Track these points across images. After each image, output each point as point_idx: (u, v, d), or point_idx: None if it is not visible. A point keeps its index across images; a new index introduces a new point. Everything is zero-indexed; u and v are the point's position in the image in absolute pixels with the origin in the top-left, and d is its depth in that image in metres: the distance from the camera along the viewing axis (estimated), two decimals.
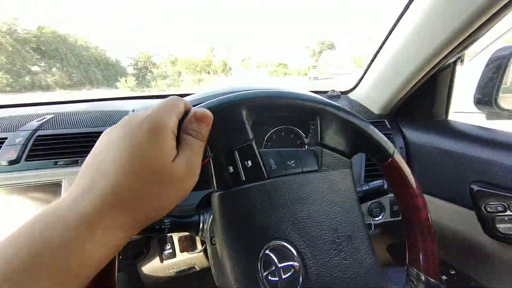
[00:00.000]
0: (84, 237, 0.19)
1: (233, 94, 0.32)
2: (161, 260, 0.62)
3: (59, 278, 0.18)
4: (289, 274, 0.30)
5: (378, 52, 0.79)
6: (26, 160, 0.57)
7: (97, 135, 0.63)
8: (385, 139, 0.36)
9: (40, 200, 0.54)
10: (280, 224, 0.32)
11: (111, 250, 0.21)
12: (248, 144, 0.32)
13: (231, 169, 0.31)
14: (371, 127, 0.36)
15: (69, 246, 0.19)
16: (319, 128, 0.35)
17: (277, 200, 0.32)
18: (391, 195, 0.72)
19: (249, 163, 0.31)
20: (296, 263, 0.31)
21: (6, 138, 0.59)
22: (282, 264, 0.31)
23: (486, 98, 0.66)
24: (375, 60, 0.81)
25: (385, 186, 0.56)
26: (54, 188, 0.55)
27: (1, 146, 0.57)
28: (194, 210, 0.62)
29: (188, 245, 0.62)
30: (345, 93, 0.99)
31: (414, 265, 0.36)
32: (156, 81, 39.86)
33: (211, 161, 0.31)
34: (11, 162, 0.55)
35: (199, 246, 0.63)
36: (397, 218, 0.74)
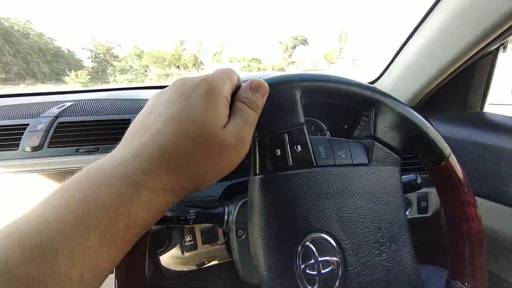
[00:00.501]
0: (131, 196, 0.19)
1: (288, 74, 0.30)
2: (183, 252, 0.61)
3: (108, 237, 0.18)
4: (328, 269, 0.28)
5: (407, 41, 0.74)
6: (48, 146, 0.56)
7: (119, 122, 0.62)
8: (442, 139, 0.33)
9: None
10: (324, 216, 0.29)
11: (156, 213, 0.21)
12: (300, 128, 0.29)
13: (278, 152, 0.28)
14: (428, 125, 0.33)
15: (117, 205, 0.19)
16: (373, 120, 0.32)
17: (323, 190, 0.29)
18: (421, 190, 0.69)
19: (299, 148, 0.29)
20: (336, 259, 0.29)
21: (28, 125, 0.58)
22: (323, 258, 0.29)
23: None
24: (403, 49, 0.77)
25: (419, 181, 0.53)
26: None
27: (23, 132, 0.56)
28: (217, 202, 0.60)
29: (210, 237, 0.60)
30: (370, 83, 0.94)
31: (458, 279, 0.33)
32: (115, 76, 36.06)
33: (256, 142, 0.29)
34: (34, 148, 0.54)
35: (221, 238, 0.61)
36: (425, 215, 0.71)
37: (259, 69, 41.88)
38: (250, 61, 45.31)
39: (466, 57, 0.59)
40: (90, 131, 0.60)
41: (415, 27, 0.70)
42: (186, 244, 0.60)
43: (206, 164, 0.22)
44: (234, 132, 0.23)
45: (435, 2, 0.62)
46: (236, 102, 0.25)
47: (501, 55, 0.64)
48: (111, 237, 0.18)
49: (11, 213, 0.51)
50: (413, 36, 0.71)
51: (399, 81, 0.80)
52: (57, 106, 0.65)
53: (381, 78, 0.90)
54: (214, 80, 0.24)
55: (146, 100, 0.74)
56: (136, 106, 0.70)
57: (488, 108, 0.73)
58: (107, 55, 42.94)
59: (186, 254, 0.61)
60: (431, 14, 0.64)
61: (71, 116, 0.63)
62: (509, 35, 0.56)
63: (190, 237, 0.60)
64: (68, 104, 0.67)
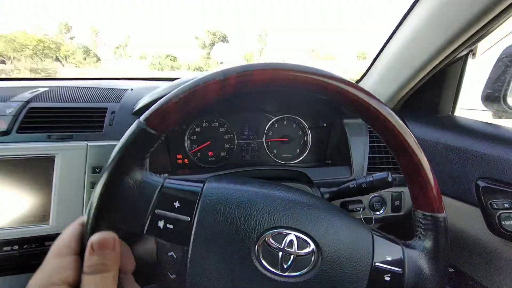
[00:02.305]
0: None
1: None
2: None
3: None
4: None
5: (385, 44, 0.77)
6: (17, 132, 0.54)
7: (94, 110, 0.61)
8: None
9: (32, 174, 0.51)
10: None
11: None
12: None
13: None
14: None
15: None
16: None
17: None
18: (393, 189, 0.71)
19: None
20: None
21: None
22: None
23: (495, 94, 0.65)
24: (382, 52, 0.79)
25: (389, 179, 0.55)
26: (47, 162, 0.52)
27: None
28: None
29: None
30: None
31: (420, 208, 0.35)
32: None
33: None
34: (2, 133, 0.53)
35: None
36: (398, 213, 0.73)
37: (172, 67, 35.71)
38: (165, 58, 38.00)
39: (436, 62, 0.62)
40: (63, 118, 0.58)
41: (392, 31, 0.73)
42: None
43: None
44: None
45: (409, 9, 0.65)
46: (82, 276, 0.23)
47: (471, 61, 0.68)
48: None
49: None
50: (390, 40, 0.74)
51: (377, 83, 0.82)
52: (30, 91, 0.63)
53: (363, 79, 0.93)
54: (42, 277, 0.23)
55: (125, 90, 0.72)
56: (114, 95, 0.68)
57: (459, 112, 0.76)
58: None
59: None
60: (405, 20, 0.67)
61: (45, 102, 0.61)
62: (474, 42, 0.59)
63: None
64: (42, 89, 0.65)
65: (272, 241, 0.31)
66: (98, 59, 35.12)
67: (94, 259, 0.24)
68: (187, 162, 0.79)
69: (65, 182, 0.52)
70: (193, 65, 36.97)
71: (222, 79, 0.30)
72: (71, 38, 35.53)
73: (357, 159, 0.72)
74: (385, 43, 0.77)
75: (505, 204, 0.51)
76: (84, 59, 33.18)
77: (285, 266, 0.30)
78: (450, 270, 0.69)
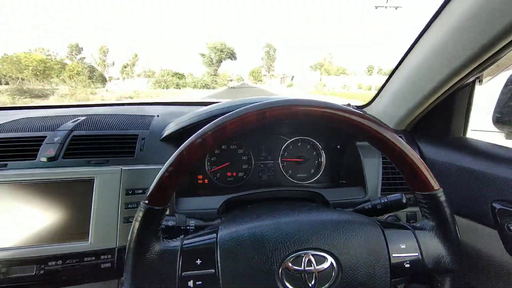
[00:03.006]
0: None
1: None
2: None
3: None
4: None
5: (397, 67, 0.81)
6: (63, 157, 0.61)
7: (126, 137, 0.67)
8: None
9: (75, 195, 0.57)
10: None
11: None
12: None
13: None
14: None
15: None
16: None
17: None
18: (408, 209, 0.73)
19: None
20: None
21: (45, 137, 0.63)
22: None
23: (505, 117, 0.67)
24: (393, 75, 0.83)
25: (404, 200, 0.57)
26: (87, 185, 0.58)
27: (40, 144, 0.62)
28: (216, 214, 0.64)
29: None
30: (362, 107, 1.01)
31: (417, 190, 0.38)
32: None
33: None
34: (50, 159, 0.60)
35: None
36: None
37: (177, 85, 35.39)
38: (172, 76, 37.64)
39: (445, 88, 0.66)
40: (100, 144, 0.65)
41: (402, 57, 0.77)
42: None
43: None
44: None
45: (418, 35, 0.69)
46: None
47: (478, 88, 0.71)
48: None
49: (26, 219, 0.55)
50: (401, 64, 0.78)
51: (389, 105, 0.86)
52: (72, 120, 0.71)
53: (373, 102, 0.96)
54: None
55: (152, 116, 0.79)
56: (142, 122, 0.75)
57: (470, 134, 0.78)
58: None
59: None
60: (416, 45, 0.71)
61: (84, 130, 0.68)
62: (481, 70, 0.62)
63: None
64: (81, 118, 0.73)
65: (292, 266, 0.34)
66: (104, 79, 35.72)
67: None
68: (207, 182, 0.84)
69: (102, 203, 0.57)
70: (200, 82, 36.90)
71: (200, 141, 0.33)
72: (81, 59, 35.66)
73: (371, 180, 0.74)
74: (396, 67, 0.81)
75: None
76: (90, 78, 33.38)
77: (310, 285, 0.34)
78: None
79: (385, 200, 0.59)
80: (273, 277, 0.33)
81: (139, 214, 0.33)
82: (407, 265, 0.36)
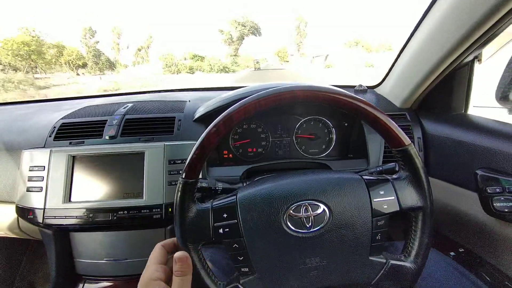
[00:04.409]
0: None
1: None
2: None
3: None
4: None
5: (402, 49, 0.87)
6: (120, 136, 0.79)
7: (165, 119, 0.84)
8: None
9: (131, 164, 0.75)
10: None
11: None
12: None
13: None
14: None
15: None
16: None
17: None
18: None
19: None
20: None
21: (106, 120, 0.82)
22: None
23: (507, 93, 0.72)
24: (400, 57, 0.90)
25: (397, 168, 0.67)
26: (140, 156, 0.76)
27: (104, 126, 0.80)
28: (238, 180, 0.80)
29: None
30: (372, 87, 1.08)
31: (394, 147, 0.47)
32: None
33: None
34: (112, 137, 0.78)
35: None
36: None
37: (191, 68, 31.05)
38: (192, 58, 33.08)
39: (442, 67, 0.72)
40: (147, 125, 0.82)
41: (407, 39, 0.83)
42: None
43: None
44: None
45: (421, 17, 0.75)
46: (173, 277, 0.41)
47: (477, 66, 0.75)
48: None
49: (101, 182, 0.74)
50: (406, 47, 0.84)
51: (395, 85, 0.93)
52: (123, 107, 0.89)
53: (383, 82, 1.03)
54: (142, 276, 0.41)
55: (184, 101, 0.95)
56: (177, 106, 0.91)
57: (472, 110, 0.84)
58: None
59: None
60: (418, 28, 0.77)
61: (133, 114, 0.86)
62: (477, 48, 0.67)
63: None
64: (130, 105, 0.91)
65: (294, 213, 0.46)
66: (112, 64, 31.80)
67: (177, 267, 0.41)
68: (231, 156, 0.99)
69: (151, 170, 0.75)
70: (217, 65, 32.14)
71: (215, 129, 0.44)
72: (96, 43, 31.42)
73: (374, 154, 0.84)
74: (402, 48, 0.87)
75: (497, 189, 0.61)
76: (96, 63, 29.57)
77: (308, 226, 0.46)
78: (460, 250, 0.79)
79: (381, 168, 0.70)
80: (280, 222, 0.45)
81: (179, 187, 0.46)
82: (385, 206, 0.45)
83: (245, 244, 0.45)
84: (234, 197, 0.48)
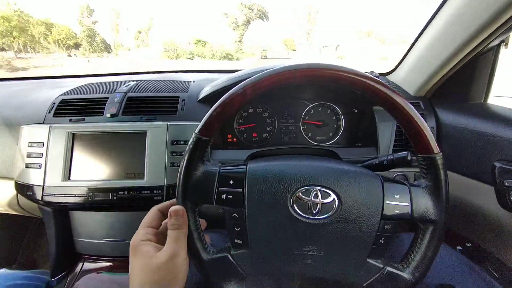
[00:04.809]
0: None
1: None
2: None
3: None
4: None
5: (419, 36, 0.82)
6: (122, 114, 0.76)
7: (169, 98, 0.81)
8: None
9: (133, 144, 0.73)
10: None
11: None
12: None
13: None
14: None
15: None
16: None
17: None
18: (416, 169, 0.79)
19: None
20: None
21: (108, 98, 0.79)
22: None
23: None
24: (416, 43, 0.85)
25: (409, 158, 0.63)
26: (141, 136, 0.73)
27: (105, 103, 0.77)
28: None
29: None
30: (384, 75, 1.03)
31: (419, 153, 0.43)
32: None
33: None
34: (113, 115, 0.75)
35: None
36: None
37: (191, 53, 29.32)
38: (196, 43, 30.98)
39: (463, 53, 0.67)
40: (150, 104, 0.79)
41: (425, 24, 0.78)
42: None
43: (167, 279, 0.38)
44: (168, 253, 0.38)
45: (441, 3, 0.70)
46: (168, 231, 0.40)
47: (504, 51, 0.70)
48: None
49: (101, 161, 0.72)
50: (423, 33, 0.79)
51: (410, 72, 0.88)
52: (125, 85, 0.86)
53: (396, 69, 0.98)
54: (132, 240, 0.41)
55: (189, 82, 0.91)
56: (181, 86, 0.88)
57: (492, 100, 0.79)
58: None
59: None
60: (438, 13, 0.72)
61: (136, 92, 0.83)
62: (504, 32, 0.62)
63: None
64: (132, 83, 0.87)
65: (302, 196, 0.43)
66: (108, 46, 29.23)
67: (172, 220, 0.40)
68: (235, 141, 0.96)
69: (153, 150, 0.72)
70: (219, 52, 29.96)
71: (241, 91, 0.42)
72: (94, 23, 29.18)
73: (384, 142, 0.81)
74: (418, 35, 0.82)
75: None
76: (90, 44, 26.96)
77: (314, 212, 0.43)
78: (467, 245, 0.76)
79: (392, 157, 0.66)
80: (286, 202, 0.43)
81: (191, 142, 0.43)
82: (397, 211, 0.42)
83: (245, 216, 0.43)
84: (244, 166, 0.46)
